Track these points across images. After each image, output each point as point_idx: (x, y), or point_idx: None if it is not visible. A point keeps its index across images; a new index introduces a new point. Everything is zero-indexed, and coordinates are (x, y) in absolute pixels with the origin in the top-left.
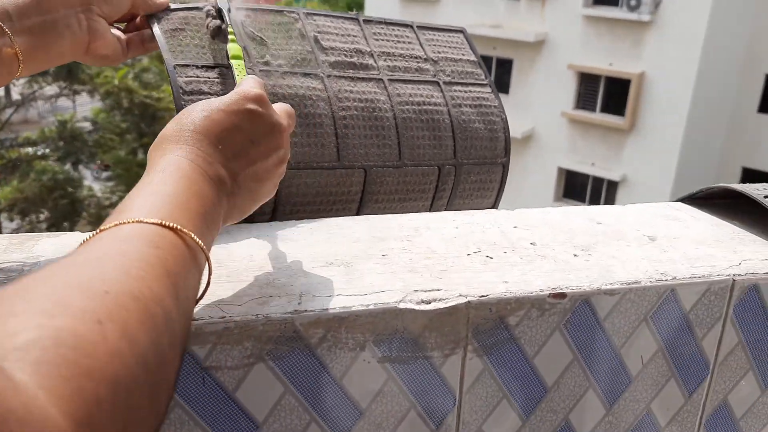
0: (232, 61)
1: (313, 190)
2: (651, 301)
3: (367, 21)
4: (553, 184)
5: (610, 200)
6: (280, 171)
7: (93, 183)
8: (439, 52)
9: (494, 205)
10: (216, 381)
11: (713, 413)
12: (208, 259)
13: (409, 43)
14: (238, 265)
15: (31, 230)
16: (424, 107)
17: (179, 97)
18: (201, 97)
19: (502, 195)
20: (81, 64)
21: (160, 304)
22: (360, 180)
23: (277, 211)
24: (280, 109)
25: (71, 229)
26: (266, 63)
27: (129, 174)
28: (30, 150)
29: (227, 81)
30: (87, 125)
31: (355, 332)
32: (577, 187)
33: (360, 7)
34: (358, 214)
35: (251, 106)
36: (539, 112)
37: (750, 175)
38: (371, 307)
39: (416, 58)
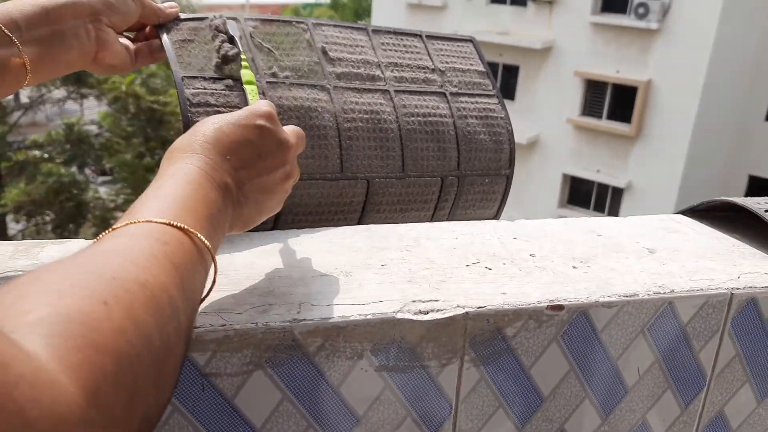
0: (246, 87)
1: (316, 200)
2: (648, 313)
3: (376, 31)
4: (558, 191)
5: (615, 207)
6: (285, 186)
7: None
8: (447, 63)
9: (496, 216)
10: (215, 387)
11: (709, 424)
12: (213, 259)
13: (417, 53)
14: (240, 273)
15: (37, 232)
16: (430, 119)
17: (186, 109)
18: (208, 109)
19: (505, 205)
20: None
21: (165, 292)
22: (362, 191)
23: (279, 221)
24: (289, 129)
25: (76, 231)
26: (273, 74)
27: (134, 177)
28: (37, 153)
29: (234, 92)
30: (94, 128)
31: (353, 341)
32: (582, 194)
33: (368, 13)
34: (359, 223)
35: (260, 122)
36: (545, 118)
37: (757, 183)
38: (369, 316)
39: (424, 68)
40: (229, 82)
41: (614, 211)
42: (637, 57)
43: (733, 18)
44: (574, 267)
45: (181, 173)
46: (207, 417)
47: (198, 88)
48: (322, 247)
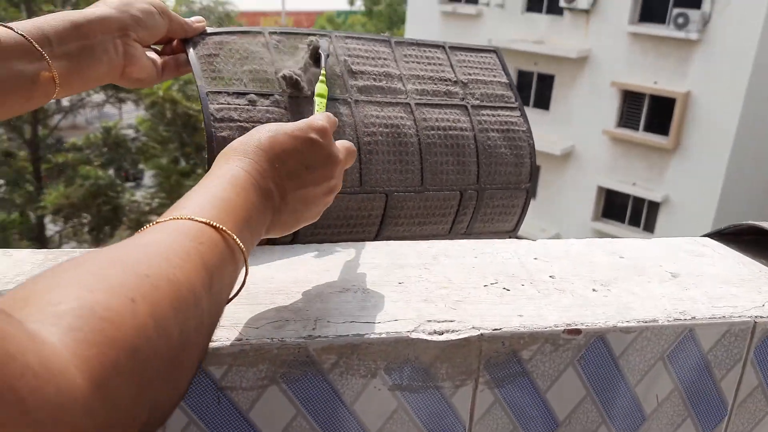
0: (316, 98)
1: (335, 213)
2: (668, 340)
3: (399, 43)
4: (593, 203)
5: (651, 222)
6: (327, 200)
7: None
8: (469, 74)
9: (515, 229)
10: (231, 401)
11: None
12: (245, 261)
13: (440, 65)
14: (258, 287)
15: (74, 234)
16: (450, 132)
17: (210, 124)
18: (231, 123)
19: (524, 219)
20: None
21: (192, 291)
22: (381, 204)
23: (298, 233)
24: (341, 144)
25: (112, 234)
26: (292, 84)
27: (169, 181)
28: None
29: (256, 107)
30: (131, 133)
31: (367, 359)
32: (617, 207)
33: (402, 21)
34: (377, 236)
35: (313, 135)
36: (580, 129)
37: None
38: (383, 335)
39: (446, 80)
40: (253, 97)
41: (650, 226)
42: (675, 68)
43: None
44: (594, 290)
45: (229, 175)
46: (222, 429)
47: (222, 103)
48: (341, 263)
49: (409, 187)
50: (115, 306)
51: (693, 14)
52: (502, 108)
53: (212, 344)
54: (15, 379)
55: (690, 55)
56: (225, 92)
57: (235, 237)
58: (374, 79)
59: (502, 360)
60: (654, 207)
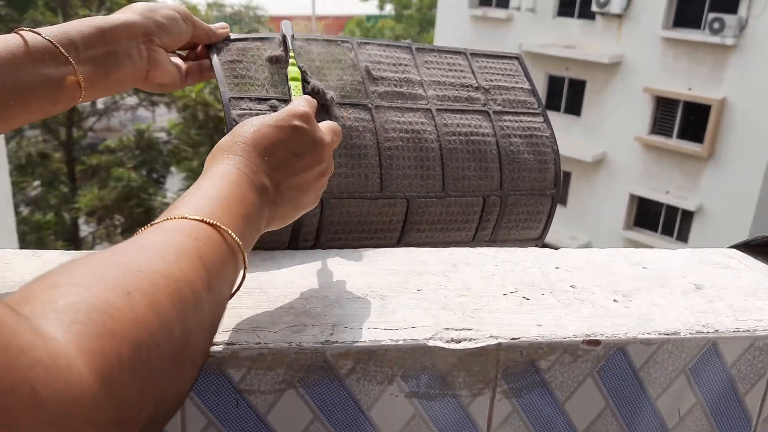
0: (290, 83)
1: (355, 219)
2: (690, 353)
3: (420, 49)
4: (624, 212)
5: (685, 231)
6: (321, 183)
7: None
8: (491, 81)
9: (541, 236)
10: (249, 404)
11: None
12: (244, 256)
13: (461, 71)
14: (278, 291)
15: (107, 235)
16: (472, 137)
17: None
18: None
19: (550, 226)
20: None
21: (190, 285)
22: (402, 210)
23: (319, 239)
24: (325, 126)
25: None
26: (318, 94)
27: None
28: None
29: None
30: (163, 135)
31: (384, 366)
32: (650, 216)
33: (432, 25)
34: (399, 242)
35: (297, 122)
36: (612, 135)
37: None
38: (401, 342)
39: (467, 86)
40: (274, 102)
41: (683, 236)
42: (710, 74)
43: None
44: (615, 300)
45: (220, 174)
46: None
47: (244, 109)
48: (361, 269)
49: (431, 192)
50: (112, 300)
51: (729, 19)
52: (524, 114)
53: (231, 347)
54: (27, 372)
55: (726, 61)
56: (247, 98)
57: (230, 232)
58: (395, 85)
59: (520, 370)
60: (688, 216)
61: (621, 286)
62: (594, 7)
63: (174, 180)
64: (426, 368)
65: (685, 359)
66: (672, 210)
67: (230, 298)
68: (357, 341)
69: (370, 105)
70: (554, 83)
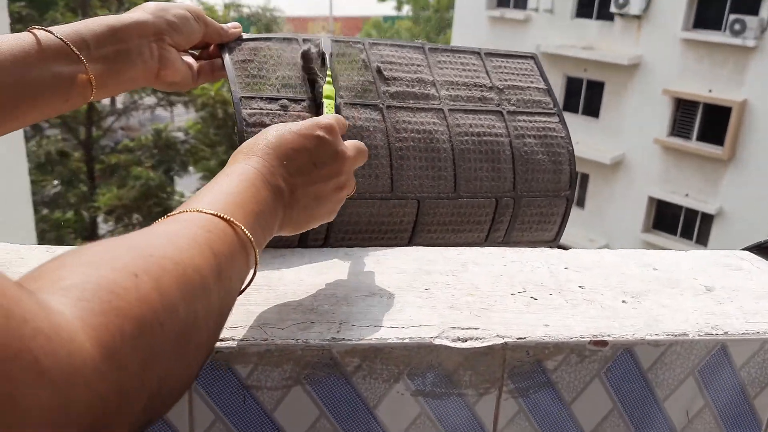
0: (324, 100)
1: (365, 219)
2: (699, 355)
3: (433, 49)
4: (643, 214)
5: (704, 234)
6: (339, 196)
7: None
8: (505, 80)
9: (556, 238)
10: (256, 400)
11: None
12: (255, 251)
13: (475, 71)
14: (287, 289)
15: (125, 233)
16: (484, 138)
17: (242, 129)
18: (262, 128)
19: (565, 227)
20: None
21: (198, 272)
22: (413, 211)
23: (329, 238)
24: (350, 143)
25: None
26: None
27: None
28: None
29: (287, 113)
30: (180, 135)
31: (390, 364)
32: (669, 219)
33: (450, 26)
34: (409, 243)
35: (320, 132)
36: (630, 137)
37: None
38: (407, 340)
39: (480, 86)
40: (285, 102)
41: (703, 239)
42: (731, 76)
43: None
44: (623, 301)
45: (238, 172)
46: (247, 428)
47: (254, 109)
48: (370, 268)
49: (442, 193)
50: (119, 280)
51: (750, 21)
52: (539, 114)
53: (239, 343)
54: (29, 340)
55: (747, 63)
56: (258, 97)
57: (243, 227)
58: (407, 85)
59: (527, 369)
60: (707, 219)
61: (630, 287)
62: (613, 8)
63: (192, 179)
64: (432, 367)
65: (693, 361)
66: (691, 213)
67: (241, 293)
68: (363, 339)
69: (381, 105)
70: (572, 85)
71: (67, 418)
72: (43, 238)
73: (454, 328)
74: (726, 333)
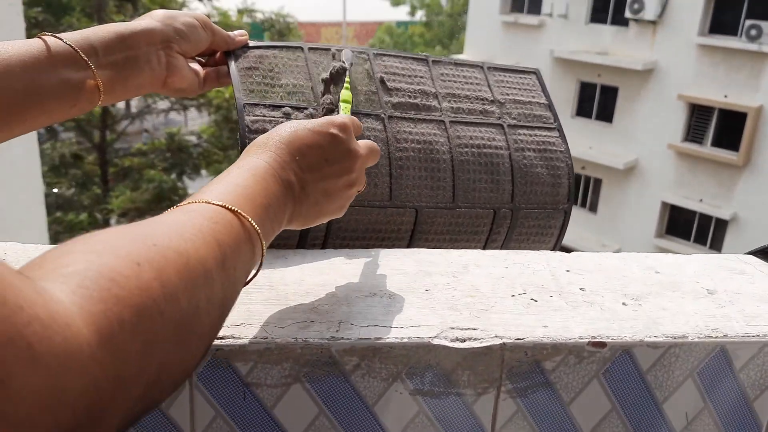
0: (341, 103)
1: (363, 226)
2: (698, 357)
3: (436, 62)
4: (656, 220)
5: (718, 240)
6: (349, 193)
7: None
8: (507, 94)
9: (553, 250)
10: (256, 397)
11: None
12: (262, 244)
13: (477, 84)
14: (288, 289)
15: None
16: (484, 150)
17: (245, 135)
18: None
19: (562, 240)
20: None
21: (201, 263)
22: (411, 219)
23: (327, 243)
24: (363, 142)
25: None
26: (331, 103)
27: None
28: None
29: (290, 120)
30: (193, 139)
31: (389, 363)
32: (682, 224)
33: (462, 31)
34: None
35: (334, 130)
36: (644, 142)
37: None
38: (405, 340)
39: (482, 99)
40: (288, 110)
41: (717, 245)
42: (747, 81)
43: None
44: (623, 304)
45: (249, 165)
46: (247, 424)
47: (258, 116)
48: (371, 268)
49: (440, 203)
50: (120, 268)
51: (766, 26)
52: (539, 128)
53: (239, 341)
54: (23, 327)
55: (763, 68)
56: (262, 104)
57: (250, 219)
58: (409, 96)
59: (525, 370)
60: (722, 225)
61: (631, 289)
62: (627, 14)
63: (204, 182)
64: (431, 366)
65: (693, 363)
66: (705, 218)
67: (246, 284)
68: (362, 338)
69: (383, 115)
70: (586, 90)
71: (61, 403)
72: (57, 240)
73: (453, 328)
74: (726, 336)
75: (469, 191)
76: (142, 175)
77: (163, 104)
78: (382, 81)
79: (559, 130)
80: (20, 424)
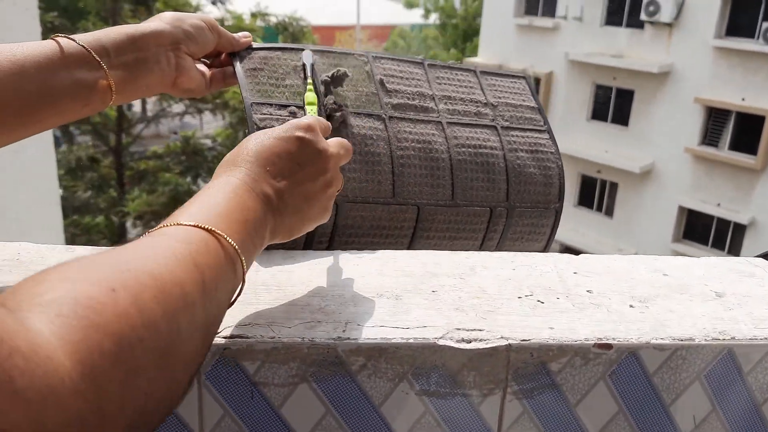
0: (306, 107)
1: (368, 223)
2: (705, 359)
3: (432, 65)
4: (673, 224)
5: (736, 244)
6: (328, 194)
7: None
8: (499, 98)
9: (545, 250)
10: (263, 396)
11: None
12: (242, 261)
13: (471, 87)
14: (295, 289)
15: None
16: (480, 150)
17: (253, 132)
18: None
19: (554, 239)
20: None
21: (179, 286)
22: (413, 216)
23: (333, 241)
24: (333, 140)
25: None
26: (334, 103)
27: None
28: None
29: (296, 118)
30: (208, 142)
31: (394, 363)
32: (699, 229)
33: (476, 34)
34: (409, 248)
35: (299, 133)
36: (660, 146)
37: None
38: (411, 340)
39: (476, 102)
40: (293, 109)
41: (735, 249)
42: (764, 84)
43: None
44: (631, 306)
45: (221, 184)
46: (255, 423)
47: (265, 114)
48: (377, 270)
49: (440, 200)
50: (96, 295)
51: None
52: (530, 130)
53: (247, 340)
54: (4, 360)
55: None
56: (268, 103)
57: (226, 237)
58: (408, 98)
59: (531, 371)
60: (740, 229)
61: (639, 291)
62: (643, 16)
63: None
64: (436, 367)
65: (700, 366)
66: (723, 223)
67: (231, 304)
68: (368, 338)
69: (383, 115)
70: (601, 93)
71: None
72: (73, 242)
73: (458, 329)
74: (733, 338)
75: (467, 189)
76: (158, 178)
77: (178, 107)
78: (381, 83)
79: (549, 132)
80: None
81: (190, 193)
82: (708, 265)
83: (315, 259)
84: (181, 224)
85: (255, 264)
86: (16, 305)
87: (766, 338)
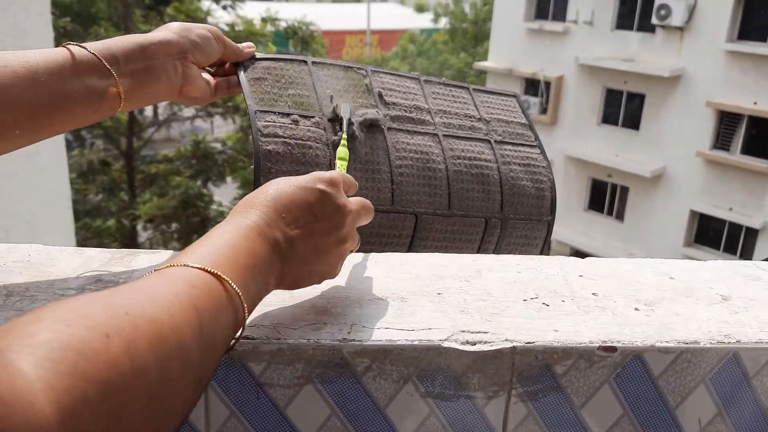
0: (337, 161)
1: (368, 230)
2: (711, 363)
3: (427, 81)
4: (684, 229)
5: (749, 249)
6: (340, 251)
7: None
8: (491, 114)
9: None
10: (269, 397)
11: None
12: (243, 307)
13: (464, 103)
14: (302, 291)
15: (163, 241)
16: (475, 162)
17: (257, 138)
18: (276, 138)
19: (547, 251)
20: None
21: (176, 331)
22: (411, 225)
23: None
24: (354, 199)
25: None
26: (351, 125)
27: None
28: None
29: (299, 125)
30: (218, 146)
31: (399, 365)
32: (711, 233)
33: (487, 38)
34: None
35: (321, 186)
36: (672, 150)
37: None
38: (416, 342)
39: (470, 117)
40: (296, 117)
41: (747, 254)
42: None
43: None
44: (636, 309)
45: (233, 225)
46: (260, 424)
47: (269, 121)
48: (384, 272)
49: (438, 209)
50: (89, 340)
51: None
52: (522, 145)
53: (252, 341)
54: None
55: None
56: (272, 112)
57: (230, 282)
58: (405, 110)
59: (536, 373)
60: (752, 234)
61: (644, 295)
62: (654, 20)
63: (230, 188)
64: (441, 369)
65: (705, 369)
66: (735, 228)
67: (229, 350)
68: (373, 340)
69: (382, 126)
70: (612, 97)
71: None
72: (84, 245)
73: (463, 331)
74: (739, 341)
75: (463, 200)
76: (168, 182)
77: (188, 111)
78: (380, 95)
79: (540, 148)
80: None
81: (200, 197)
82: (714, 269)
83: None
84: (187, 266)
85: None
86: (6, 345)
87: None
